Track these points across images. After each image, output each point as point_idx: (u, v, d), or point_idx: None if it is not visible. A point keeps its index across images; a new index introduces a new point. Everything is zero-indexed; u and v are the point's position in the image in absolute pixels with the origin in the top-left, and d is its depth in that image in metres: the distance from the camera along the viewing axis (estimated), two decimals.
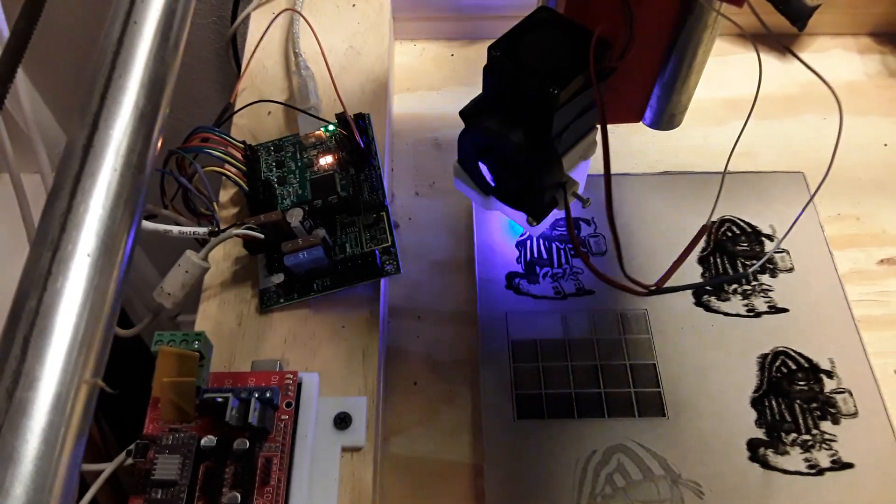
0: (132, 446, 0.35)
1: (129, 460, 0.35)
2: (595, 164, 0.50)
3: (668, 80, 0.37)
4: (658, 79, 0.37)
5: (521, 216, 0.38)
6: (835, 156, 0.32)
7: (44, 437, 0.20)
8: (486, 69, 0.33)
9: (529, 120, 0.33)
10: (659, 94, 0.38)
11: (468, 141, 0.36)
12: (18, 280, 0.23)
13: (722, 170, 0.49)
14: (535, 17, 0.33)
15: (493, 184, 0.38)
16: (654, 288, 0.32)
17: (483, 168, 0.37)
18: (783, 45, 0.33)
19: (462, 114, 0.35)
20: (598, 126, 0.36)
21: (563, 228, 0.47)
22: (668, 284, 0.31)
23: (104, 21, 0.26)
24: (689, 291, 0.44)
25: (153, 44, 0.26)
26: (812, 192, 0.48)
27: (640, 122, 0.40)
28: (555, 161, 0.34)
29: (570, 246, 0.46)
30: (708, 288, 0.44)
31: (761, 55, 0.57)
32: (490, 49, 0.32)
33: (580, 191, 0.38)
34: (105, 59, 0.25)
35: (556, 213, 0.47)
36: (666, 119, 0.39)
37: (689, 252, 0.34)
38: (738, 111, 0.54)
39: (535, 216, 0.37)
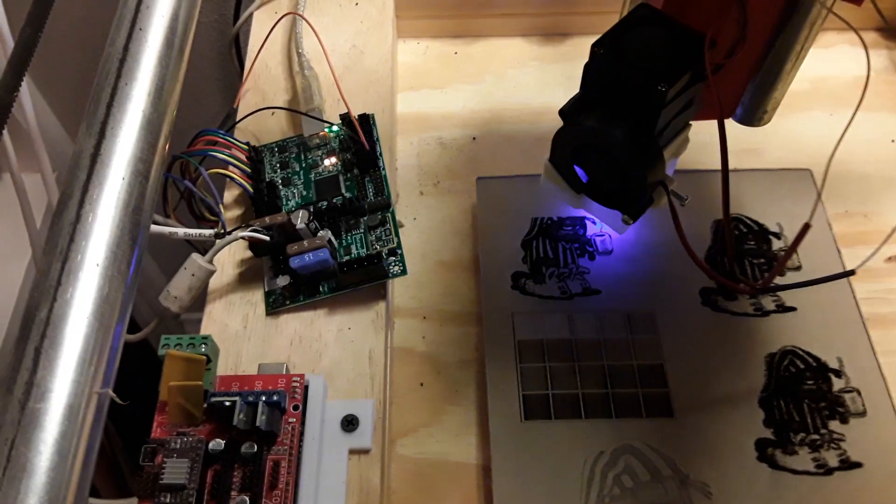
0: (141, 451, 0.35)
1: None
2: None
3: (766, 77, 0.37)
4: (756, 74, 0.37)
5: (612, 215, 0.38)
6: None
7: (56, 449, 0.20)
8: (587, 66, 0.33)
9: (633, 117, 0.33)
10: (754, 90, 0.38)
11: (567, 139, 0.36)
12: (28, 287, 0.23)
13: (741, 167, 0.49)
14: (636, 15, 0.33)
15: (585, 182, 0.38)
16: (759, 286, 0.31)
17: (577, 167, 0.37)
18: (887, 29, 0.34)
19: (562, 112, 0.35)
20: (690, 124, 0.37)
21: (569, 227, 0.47)
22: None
23: (106, 22, 0.26)
24: (697, 291, 0.44)
25: (158, 51, 0.26)
26: (820, 190, 0.48)
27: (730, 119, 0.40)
28: (658, 158, 0.34)
29: (576, 246, 0.46)
30: (715, 287, 0.44)
31: None
32: (594, 47, 0.32)
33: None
34: (111, 66, 0.25)
35: (563, 212, 0.47)
36: (758, 115, 0.39)
37: (793, 250, 0.35)
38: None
39: (632, 214, 0.37)
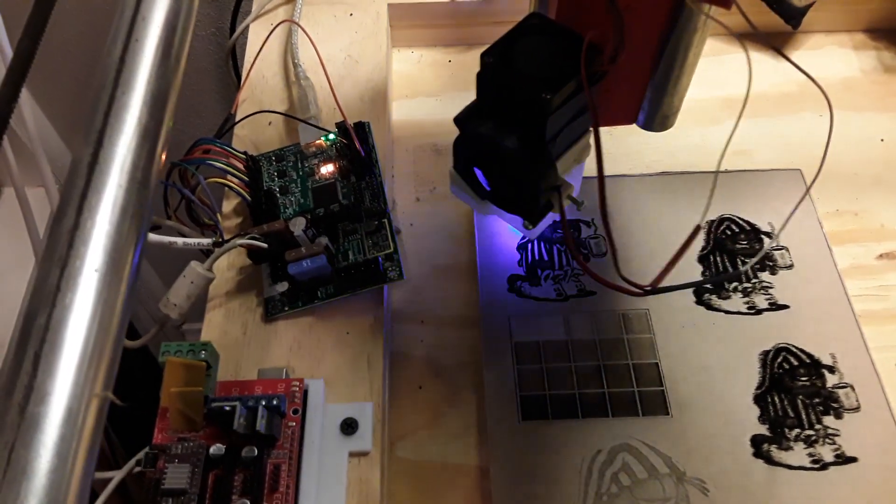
0: (141, 454, 0.35)
1: (138, 468, 0.35)
2: (591, 166, 0.51)
3: (660, 83, 0.37)
4: (650, 81, 0.38)
5: (517, 220, 0.38)
6: (827, 152, 0.32)
7: (56, 452, 0.20)
8: (479, 76, 0.34)
9: (523, 125, 0.33)
10: (651, 96, 0.38)
11: (463, 147, 0.37)
12: (27, 295, 0.23)
13: (720, 169, 0.50)
14: (527, 24, 0.34)
15: (488, 189, 0.38)
16: (649, 288, 0.32)
17: (478, 173, 0.38)
18: (772, 45, 0.34)
19: (456, 120, 0.35)
20: (590, 130, 0.36)
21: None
22: (664, 284, 0.32)
23: (103, 34, 0.27)
24: (690, 290, 0.44)
25: (155, 60, 0.26)
26: (810, 189, 0.49)
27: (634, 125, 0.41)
28: (549, 165, 0.34)
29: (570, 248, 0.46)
30: (708, 286, 0.45)
31: (758, 54, 0.58)
32: (483, 56, 0.33)
33: (575, 193, 0.38)
34: (108, 76, 0.25)
35: (557, 216, 0.48)
36: (659, 121, 0.39)
37: (683, 251, 0.34)
38: (735, 110, 0.54)
39: (531, 220, 0.38)
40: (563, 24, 0.33)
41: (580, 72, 0.31)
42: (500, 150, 0.34)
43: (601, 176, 0.31)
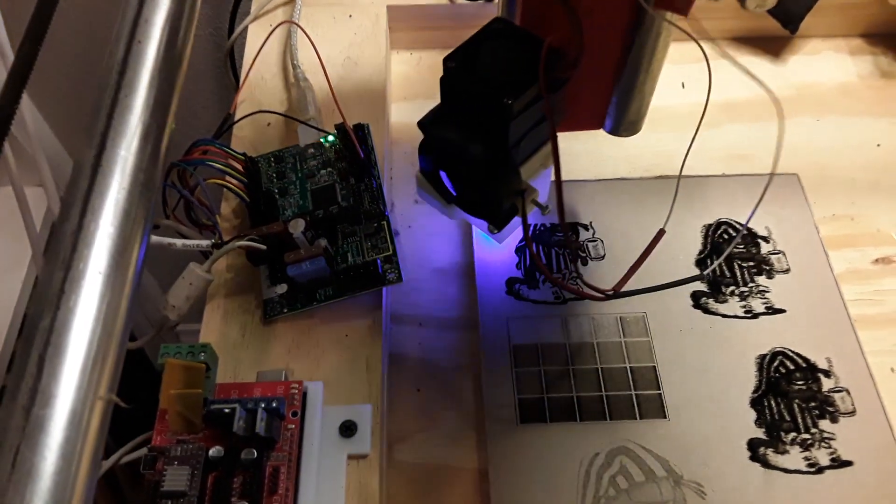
0: (130, 445, 0.35)
1: (129, 457, 0.35)
2: (585, 172, 0.51)
3: (625, 88, 0.37)
4: (615, 86, 0.38)
5: (484, 224, 0.38)
6: (778, 155, 0.32)
7: (61, 453, 0.20)
8: (442, 80, 0.33)
9: (486, 130, 0.33)
10: (617, 101, 0.38)
11: (428, 151, 0.37)
12: (30, 296, 0.23)
13: (718, 173, 0.50)
14: (490, 28, 0.33)
15: (454, 193, 0.38)
16: (611, 293, 0.32)
17: (444, 177, 0.38)
18: (721, 49, 0.34)
19: (420, 124, 0.35)
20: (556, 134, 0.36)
21: (562, 234, 0.47)
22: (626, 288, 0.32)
23: (98, 35, 0.27)
24: (688, 294, 0.45)
25: (157, 62, 0.26)
26: (806, 193, 0.49)
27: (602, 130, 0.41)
28: (512, 170, 0.34)
29: (569, 251, 0.46)
30: (706, 290, 0.45)
31: (755, 59, 0.58)
32: (445, 60, 0.32)
33: (542, 198, 0.38)
34: (110, 78, 0.26)
35: (549, 219, 0.48)
36: (626, 126, 0.40)
37: (645, 256, 0.34)
38: (733, 114, 0.54)
39: (496, 224, 0.37)
40: (527, 29, 0.33)
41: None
42: (463, 154, 0.33)
43: (559, 181, 0.31)
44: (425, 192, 0.40)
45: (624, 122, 0.39)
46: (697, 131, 0.34)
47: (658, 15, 0.32)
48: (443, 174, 0.37)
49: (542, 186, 0.38)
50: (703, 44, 0.34)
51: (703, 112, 0.34)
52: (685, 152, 0.35)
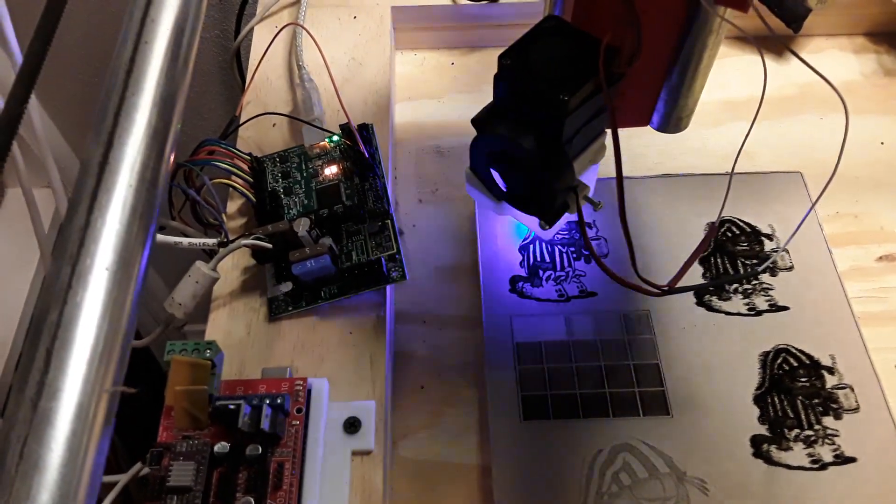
0: (145, 459, 0.36)
1: (145, 469, 0.36)
2: (603, 167, 0.51)
3: (675, 85, 0.37)
4: (665, 83, 0.38)
5: (533, 221, 0.39)
6: (841, 156, 0.32)
7: (67, 446, 0.20)
8: (496, 77, 0.34)
9: (540, 126, 0.34)
10: (666, 98, 0.38)
11: (480, 148, 0.37)
12: (38, 293, 0.23)
13: (721, 171, 0.50)
14: (543, 26, 0.34)
15: (504, 189, 0.38)
16: (666, 288, 0.32)
17: (495, 174, 0.38)
18: (787, 47, 0.34)
19: (474, 121, 0.35)
20: (608, 130, 0.37)
21: (566, 233, 0.48)
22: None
23: (106, 40, 0.27)
24: (692, 292, 0.45)
25: (164, 62, 0.27)
26: (810, 191, 0.49)
27: (648, 127, 0.41)
28: (566, 166, 0.35)
29: (573, 249, 0.47)
30: (710, 288, 0.45)
31: (757, 57, 0.58)
32: (500, 58, 0.33)
33: (591, 194, 0.38)
34: (118, 78, 0.26)
35: (564, 217, 0.48)
36: (673, 122, 0.40)
37: (699, 252, 0.34)
38: (736, 112, 0.55)
39: (548, 220, 0.38)
40: (579, 27, 0.34)
41: (597, 74, 0.31)
42: (517, 150, 0.34)
43: (620, 178, 0.32)
44: (473, 188, 0.40)
45: (672, 118, 0.39)
46: (750, 130, 0.34)
47: (714, 11, 0.33)
48: (493, 171, 0.38)
49: (588, 182, 0.38)
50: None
51: (757, 108, 0.34)
52: (737, 149, 0.36)
